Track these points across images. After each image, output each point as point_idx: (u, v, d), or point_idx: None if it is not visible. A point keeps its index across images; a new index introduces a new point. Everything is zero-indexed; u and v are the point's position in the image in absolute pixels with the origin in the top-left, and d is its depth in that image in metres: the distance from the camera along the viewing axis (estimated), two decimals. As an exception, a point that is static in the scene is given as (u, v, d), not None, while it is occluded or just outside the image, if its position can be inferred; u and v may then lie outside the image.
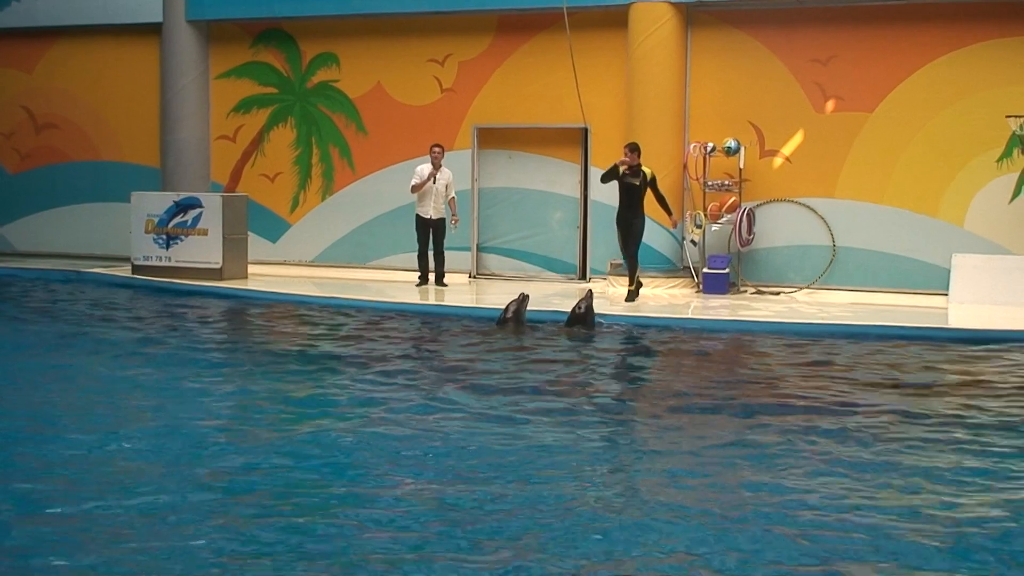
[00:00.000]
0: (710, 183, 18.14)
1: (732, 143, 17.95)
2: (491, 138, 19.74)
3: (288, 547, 6.68)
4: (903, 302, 17.14)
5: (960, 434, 9.70)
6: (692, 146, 18.28)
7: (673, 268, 18.38)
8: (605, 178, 17.09)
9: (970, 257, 17.15)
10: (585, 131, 19.12)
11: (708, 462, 8.73)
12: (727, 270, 17.91)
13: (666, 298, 17.71)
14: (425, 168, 18.38)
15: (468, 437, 9.29)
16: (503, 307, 15.32)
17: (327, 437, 9.29)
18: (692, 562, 6.57)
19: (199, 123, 21.43)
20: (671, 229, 18.12)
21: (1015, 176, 17.14)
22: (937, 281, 17.37)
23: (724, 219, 18.10)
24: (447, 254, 18.77)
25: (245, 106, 21.33)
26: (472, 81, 19.85)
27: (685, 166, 18.42)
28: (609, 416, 10.43)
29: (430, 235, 18.58)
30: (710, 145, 18.06)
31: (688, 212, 18.35)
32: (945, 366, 13.05)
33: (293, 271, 20.58)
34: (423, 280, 18.73)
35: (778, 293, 17.95)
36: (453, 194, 18.62)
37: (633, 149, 16.87)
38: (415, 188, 18.36)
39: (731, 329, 15.27)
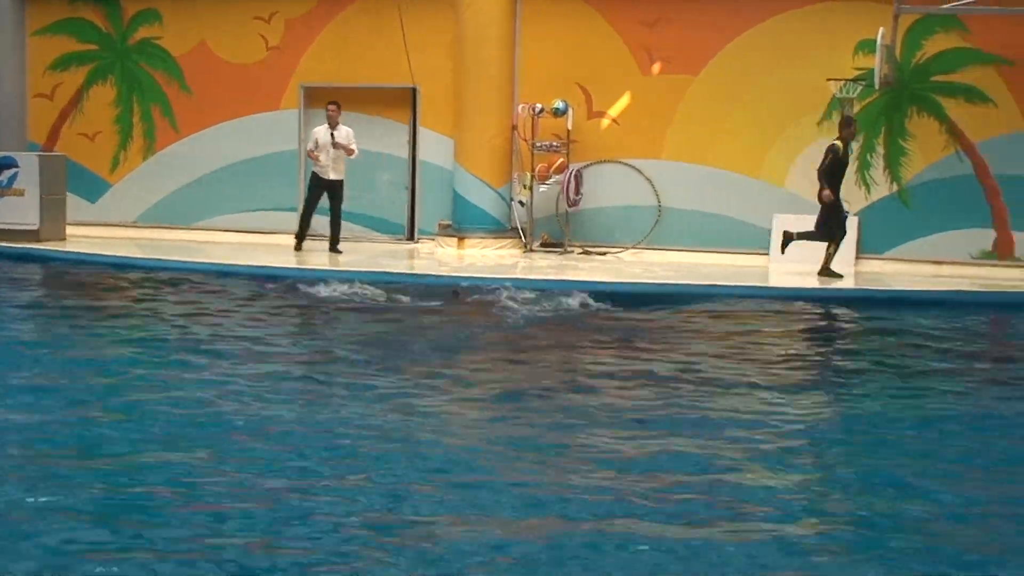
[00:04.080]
0: (539, 144, 18.19)
1: (560, 104, 18.04)
2: (319, 97, 19.40)
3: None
4: (726, 262, 17.45)
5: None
6: (521, 107, 18.31)
7: (501, 228, 18.41)
8: (831, 169, 15.93)
9: (790, 217, 17.48)
10: (414, 91, 19.01)
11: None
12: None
13: (494, 259, 17.75)
14: (321, 131, 17.77)
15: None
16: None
17: (133, 405, 9.08)
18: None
19: (15, 81, 20.71)
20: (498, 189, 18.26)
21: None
22: (759, 241, 17.70)
23: (552, 180, 18.17)
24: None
25: (63, 63, 20.68)
26: (299, 39, 19.55)
27: (514, 127, 18.44)
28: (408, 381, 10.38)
29: (322, 197, 17.95)
30: (539, 106, 18.10)
31: (516, 173, 18.42)
32: (760, 325, 13.35)
33: (114, 232, 20.04)
34: (300, 244, 18.08)
35: (605, 253, 18.10)
36: (355, 149, 17.88)
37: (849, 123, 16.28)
38: (311, 154, 17.78)
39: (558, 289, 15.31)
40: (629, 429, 8.49)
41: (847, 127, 16.14)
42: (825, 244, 16.10)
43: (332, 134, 17.72)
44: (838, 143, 15.95)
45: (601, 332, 12.58)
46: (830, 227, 16.05)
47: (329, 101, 17.94)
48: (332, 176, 17.92)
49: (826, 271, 16.12)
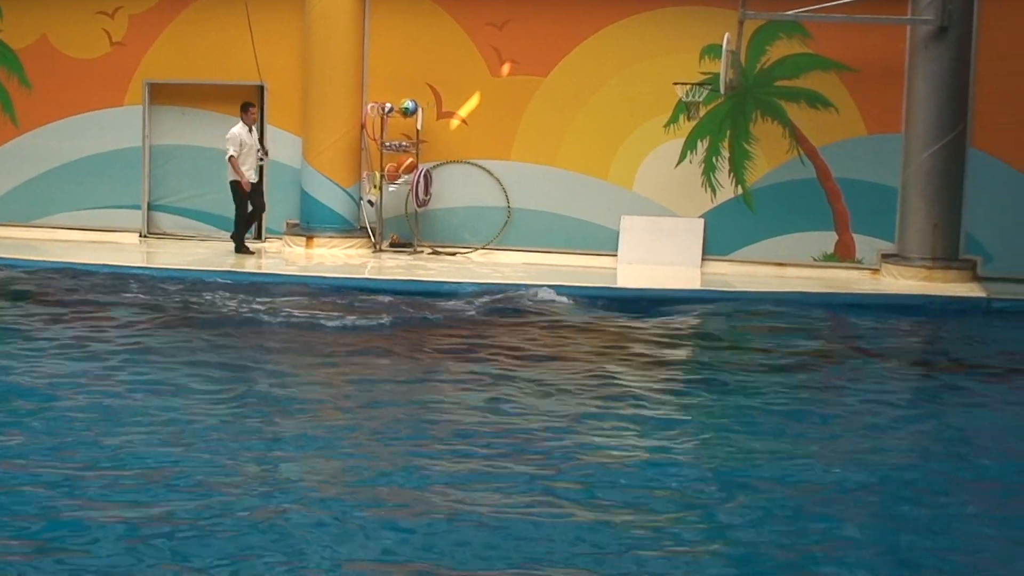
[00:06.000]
0: (388, 144, 18.11)
1: (410, 104, 17.97)
2: (163, 94, 19.14)
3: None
4: (575, 263, 17.55)
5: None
6: (370, 106, 18.17)
7: (350, 228, 18.30)
8: None
9: (637, 219, 17.70)
10: (262, 89, 18.77)
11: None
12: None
13: (343, 258, 17.64)
14: (242, 132, 17.48)
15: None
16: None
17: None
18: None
19: None
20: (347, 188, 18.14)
21: (681, 141, 17.75)
22: (607, 242, 17.83)
23: (402, 180, 18.10)
24: None
25: None
26: (143, 35, 19.16)
27: (363, 126, 18.30)
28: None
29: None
30: (388, 106, 18.01)
31: (365, 172, 18.31)
32: (603, 323, 13.51)
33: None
34: (245, 247, 17.83)
35: (454, 254, 18.08)
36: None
37: None
38: (234, 160, 17.35)
39: (413, 291, 15.30)
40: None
41: None
42: None
43: (260, 139, 17.59)
44: None
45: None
46: None
47: (247, 102, 17.80)
48: (255, 177, 17.77)
49: None
